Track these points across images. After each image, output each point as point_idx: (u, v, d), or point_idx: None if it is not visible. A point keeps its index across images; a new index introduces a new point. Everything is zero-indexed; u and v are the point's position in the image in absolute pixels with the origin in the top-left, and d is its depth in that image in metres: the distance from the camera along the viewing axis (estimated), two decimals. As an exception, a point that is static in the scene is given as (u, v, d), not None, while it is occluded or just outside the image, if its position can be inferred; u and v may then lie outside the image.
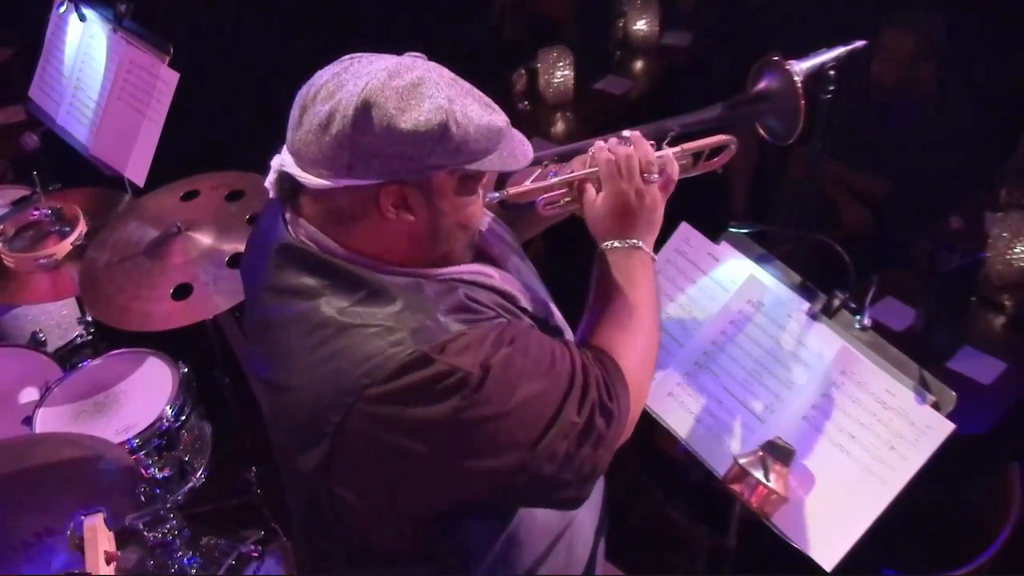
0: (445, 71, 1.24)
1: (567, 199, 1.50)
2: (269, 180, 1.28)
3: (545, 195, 1.49)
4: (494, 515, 1.37)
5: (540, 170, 1.48)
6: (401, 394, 1.17)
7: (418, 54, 1.28)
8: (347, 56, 1.25)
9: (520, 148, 1.28)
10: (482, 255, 1.42)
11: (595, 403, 1.26)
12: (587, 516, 1.55)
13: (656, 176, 1.44)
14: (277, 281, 1.29)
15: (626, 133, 1.46)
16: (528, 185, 1.47)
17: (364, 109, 1.16)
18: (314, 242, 1.26)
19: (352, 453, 1.22)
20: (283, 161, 1.25)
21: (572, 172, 1.49)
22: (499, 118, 1.23)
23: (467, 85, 1.25)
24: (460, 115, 1.18)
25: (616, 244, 1.44)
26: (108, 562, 1.61)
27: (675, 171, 1.48)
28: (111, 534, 1.67)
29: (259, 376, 1.38)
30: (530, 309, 1.40)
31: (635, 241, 1.44)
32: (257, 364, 1.38)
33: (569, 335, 1.46)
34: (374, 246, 1.26)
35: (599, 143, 1.46)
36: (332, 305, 1.23)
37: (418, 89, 1.17)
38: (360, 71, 1.20)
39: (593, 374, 1.28)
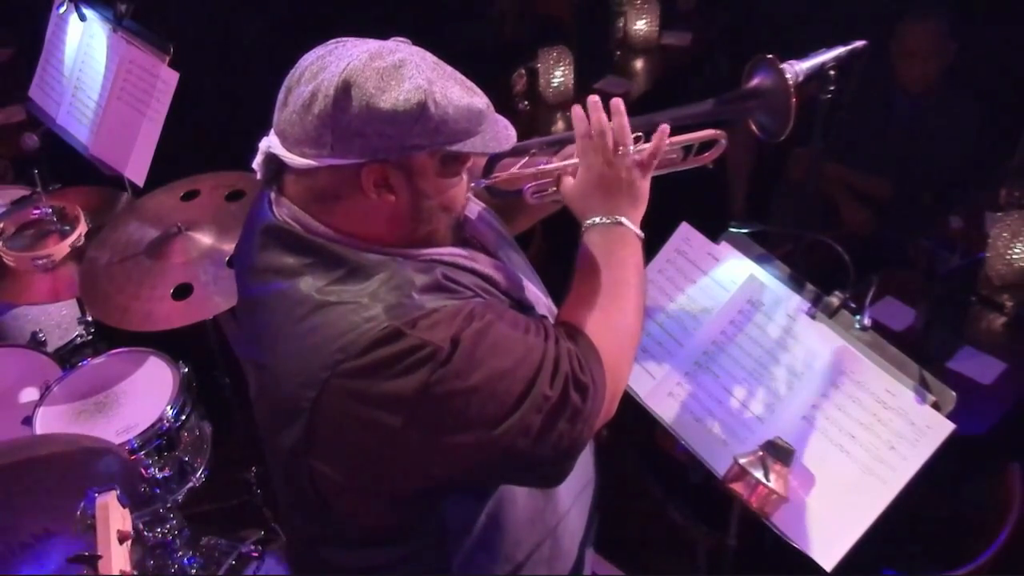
0: (428, 55, 1.26)
1: (554, 188, 1.50)
2: (256, 161, 1.30)
3: (532, 183, 1.49)
4: (472, 493, 1.37)
5: (528, 158, 1.48)
6: (373, 368, 1.19)
7: (403, 39, 1.29)
8: (333, 40, 1.27)
9: (504, 132, 1.28)
10: (473, 243, 1.43)
11: (568, 377, 1.26)
12: (576, 509, 1.55)
13: (632, 148, 1.42)
14: (260, 261, 1.31)
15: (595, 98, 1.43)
16: (514, 171, 1.47)
17: (344, 89, 1.17)
18: (297, 222, 1.28)
19: (329, 428, 1.23)
20: (270, 143, 1.27)
21: (560, 161, 1.48)
22: (480, 100, 1.24)
23: (449, 69, 1.26)
24: (439, 96, 1.19)
25: (597, 220, 1.43)
26: (121, 541, 1.53)
27: (656, 146, 1.45)
28: (125, 511, 1.60)
29: (245, 357, 1.40)
30: (513, 295, 1.41)
31: (617, 217, 1.42)
32: (243, 345, 1.40)
33: None
34: (356, 225, 1.27)
35: (578, 110, 1.43)
36: (311, 283, 1.25)
37: (399, 70, 1.19)
38: (343, 53, 1.21)
39: (565, 348, 1.28)
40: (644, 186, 1.45)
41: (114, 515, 1.56)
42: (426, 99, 1.18)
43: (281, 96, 1.25)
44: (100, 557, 1.50)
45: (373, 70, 1.18)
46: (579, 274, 1.42)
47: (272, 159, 1.27)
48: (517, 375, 1.23)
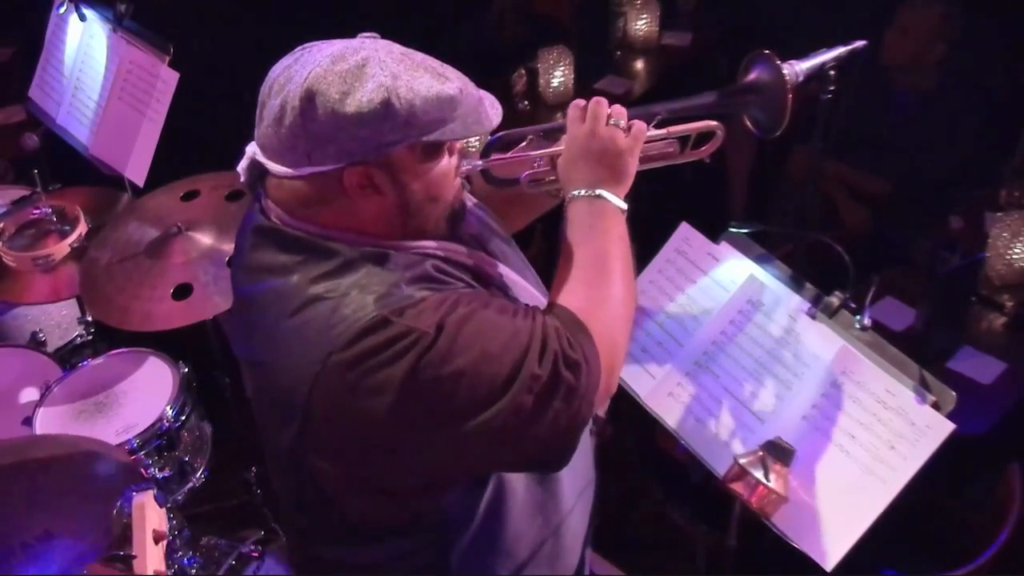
0: (395, 47, 1.25)
1: (551, 177, 1.49)
2: (241, 166, 1.32)
3: (528, 171, 1.49)
4: (471, 483, 1.37)
5: (525, 145, 1.48)
6: (361, 357, 1.19)
7: (371, 34, 1.29)
8: (300, 47, 1.27)
9: (486, 112, 1.28)
10: (464, 237, 1.43)
11: (557, 354, 1.24)
12: (578, 509, 1.55)
13: (622, 122, 1.42)
14: (252, 260, 1.32)
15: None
16: (509, 155, 1.47)
17: (308, 98, 1.18)
18: (285, 222, 1.29)
19: (323, 421, 1.23)
20: (254, 150, 1.28)
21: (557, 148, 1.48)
22: (451, 86, 1.23)
23: (420, 57, 1.25)
24: (404, 90, 1.19)
25: (579, 193, 1.41)
26: (157, 541, 1.53)
27: (643, 126, 1.45)
28: (162, 511, 1.60)
29: (241, 356, 1.41)
30: (504, 289, 1.41)
31: (598, 190, 1.40)
32: (239, 344, 1.41)
33: None
34: (346, 225, 1.28)
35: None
36: (302, 279, 1.25)
37: (362, 70, 1.19)
38: (308, 60, 1.22)
39: (552, 327, 1.27)
40: (631, 163, 1.43)
41: (150, 514, 1.55)
42: (389, 96, 1.18)
43: (257, 111, 1.25)
44: (135, 557, 1.49)
45: (335, 74, 1.18)
46: (563, 252, 1.41)
47: (256, 164, 1.28)
48: (504, 358, 1.22)
